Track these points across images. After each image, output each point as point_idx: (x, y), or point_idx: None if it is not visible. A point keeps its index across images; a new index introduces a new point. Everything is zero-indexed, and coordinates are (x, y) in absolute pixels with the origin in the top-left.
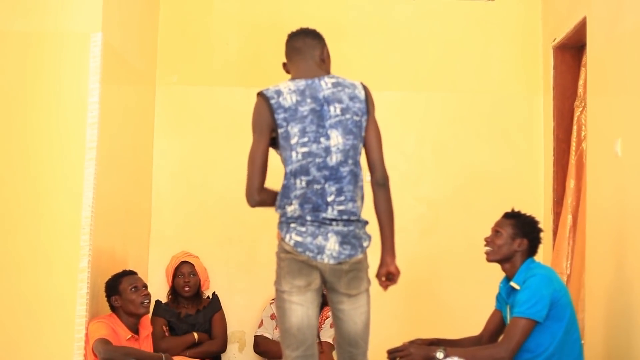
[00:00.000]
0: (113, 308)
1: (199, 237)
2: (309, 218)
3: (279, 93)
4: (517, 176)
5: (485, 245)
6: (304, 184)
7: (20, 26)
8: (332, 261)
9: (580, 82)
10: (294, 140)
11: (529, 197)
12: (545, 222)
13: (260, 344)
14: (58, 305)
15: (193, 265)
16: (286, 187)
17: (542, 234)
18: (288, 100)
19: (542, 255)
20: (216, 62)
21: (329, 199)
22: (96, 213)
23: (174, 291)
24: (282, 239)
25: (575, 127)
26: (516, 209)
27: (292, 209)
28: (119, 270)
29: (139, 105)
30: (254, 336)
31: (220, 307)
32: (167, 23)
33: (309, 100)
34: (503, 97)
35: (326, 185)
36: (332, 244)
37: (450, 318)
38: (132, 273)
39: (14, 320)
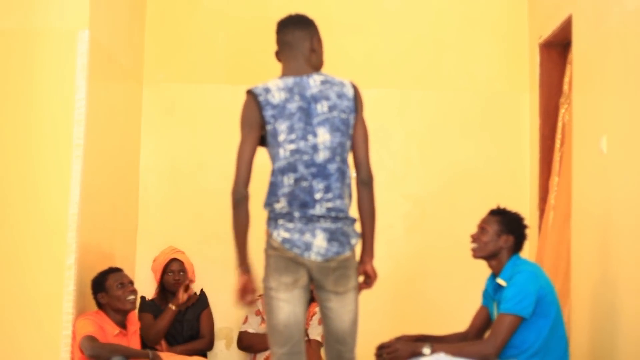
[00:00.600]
0: (100, 305)
1: (186, 234)
2: (296, 214)
3: (267, 90)
4: (503, 173)
5: (472, 242)
6: (291, 181)
7: (7, 23)
8: (319, 258)
9: (566, 80)
10: (281, 137)
11: (515, 194)
12: (530, 219)
13: (244, 340)
14: (45, 302)
15: (182, 262)
16: (274, 185)
17: (527, 231)
18: (276, 97)
19: (528, 252)
20: (203, 60)
21: (317, 196)
22: (83, 210)
23: (162, 288)
24: (270, 236)
25: (560, 125)
26: (502, 206)
27: (280, 206)
28: (106, 267)
29: (126, 103)
30: (239, 332)
31: (207, 305)
32: (154, 20)
33: (297, 98)
34: (489, 94)
35: (314, 183)
36: (319, 241)
37: (437, 314)
38: (117, 270)
39: (0, 317)
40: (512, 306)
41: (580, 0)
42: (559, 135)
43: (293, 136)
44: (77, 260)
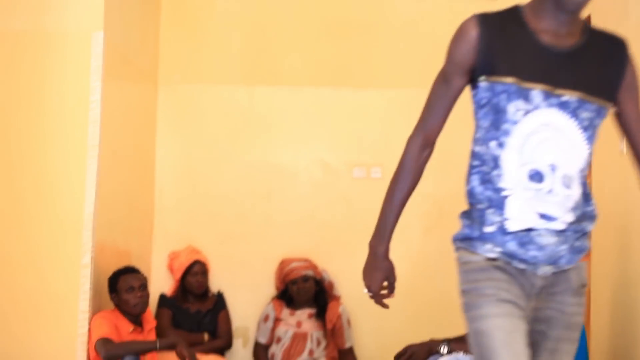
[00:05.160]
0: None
1: (201, 233)
2: None
3: None
4: None
5: None
6: None
7: (22, 25)
8: None
9: None
10: None
11: None
12: None
13: (254, 350)
14: (61, 301)
15: (205, 264)
16: None
17: None
18: None
19: None
20: (219, 60)
21: None
22: (99, 210)
23: (183, 288)
24: None
25: None
26: None
27: None
28: (122, 265)
29: (142, 104)
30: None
31: (225, 306)
32: (169, 21)
33: None
34: None
35: None
36: None
37: (455, 315)
38: (131, 271)
39: (17, 316)
40: None
41: (599, 0)
42: None
43: None
44: (93, 259)
